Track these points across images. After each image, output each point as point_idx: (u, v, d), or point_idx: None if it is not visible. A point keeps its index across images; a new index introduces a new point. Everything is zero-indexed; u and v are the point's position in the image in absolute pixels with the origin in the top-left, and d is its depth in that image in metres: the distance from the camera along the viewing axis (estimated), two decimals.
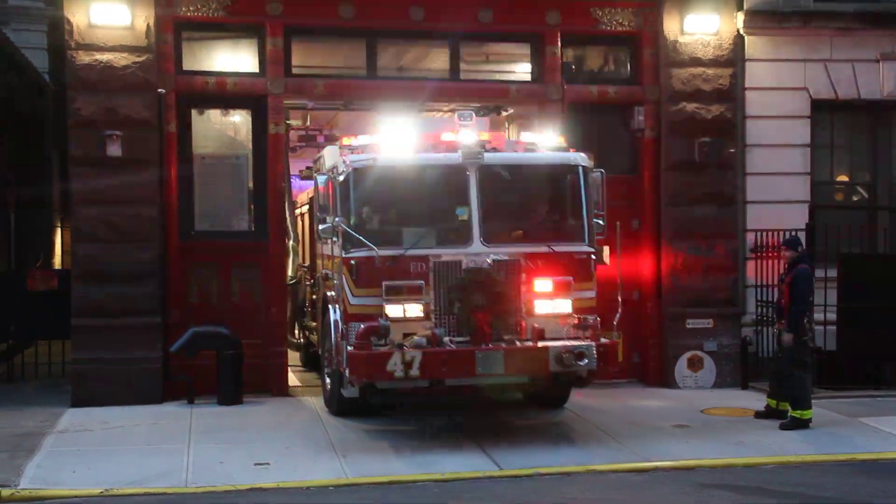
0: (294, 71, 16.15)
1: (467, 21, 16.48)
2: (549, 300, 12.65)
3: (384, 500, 10.10)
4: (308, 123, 20.10)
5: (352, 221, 12.41)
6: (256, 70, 15.97)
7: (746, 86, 17.27)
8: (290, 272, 17.53)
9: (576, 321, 12.48)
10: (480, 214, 12.55)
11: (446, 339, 11.88)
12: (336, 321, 12.58)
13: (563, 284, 12.66)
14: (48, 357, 16.75)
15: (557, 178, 13.75)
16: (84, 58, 14.87)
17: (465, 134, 12.68)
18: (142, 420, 13.58)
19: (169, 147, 15.34)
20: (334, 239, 12.64)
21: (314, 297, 16.07)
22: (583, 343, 11.96)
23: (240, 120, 16.32)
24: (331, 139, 23.90)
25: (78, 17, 14.85)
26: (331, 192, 12.73)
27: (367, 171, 12.54)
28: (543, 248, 12.83)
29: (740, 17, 17.18)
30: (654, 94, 16.78)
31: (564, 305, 12.67)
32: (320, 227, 12.64)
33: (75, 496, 9.97)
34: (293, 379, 16.86)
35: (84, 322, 14.79)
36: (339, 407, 13.65)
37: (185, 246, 15.55)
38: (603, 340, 12.19)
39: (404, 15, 16.20)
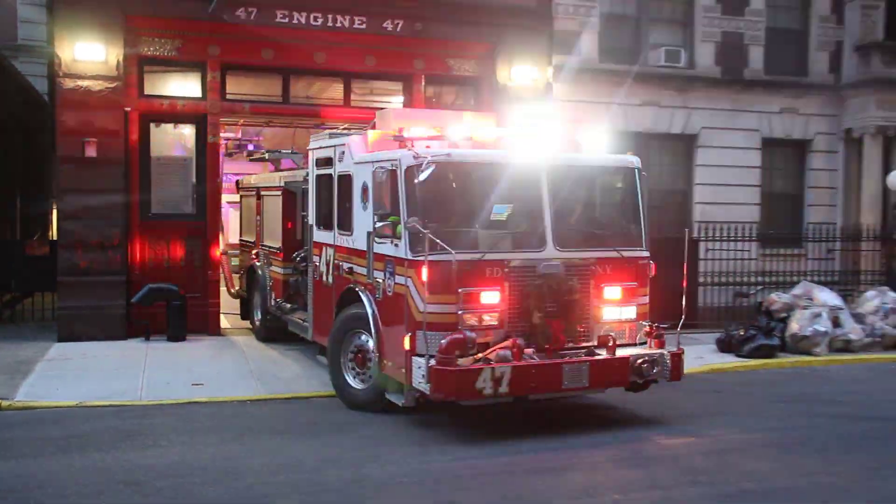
0: (228, 96, 16.26)
1: (357, 64, 16.85)
2: (617, 306, 9.69)
3: (286, 409, 10.40)
4: (240, 135, 20.31)
5: (402, 218, 8.98)
6: (200, 95, 16.02)
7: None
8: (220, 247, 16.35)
9: (647, 329, 9.79)
10: (553, 216, 9.41)
11: (529, 350, 8.89)
12: (377, 324, 9.60)
13: (629, 290, 9.76)
14: (42, 305, 16.70)
15: (616, 180, 10.67)
16: (69, 83, 14.86)
17: (535, 131, 10.17)
18: (109, 352, 13.66)
19: (132, 151, 15.40)
20: (394, 239, 9.11)
21: (292, 280, 13.62)
22: (657, 351, 9.52)
23: (187, 132, 16.33)
24: (258, 148, 24.19)
25: (65, 54, 14.85)
26: (390, 187, 8.99)
27: (441, 167, 8.98)
28: (612, 253, 9.74)
29: (550, 69, 17.93)
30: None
31: (630, 312, 9.80)
32: (377, 224, 9.15)
33: (56, 406, 10.16)
34: (224, 322, 17.11)
35: (67, 279, 14.87)
36: (351, 403, 10.32)
37: (144, 224, 15.63)
38: (670, 349, 9.72)
39: (310, 57, 16.46)
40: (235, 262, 29.95)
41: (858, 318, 15.27)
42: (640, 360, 9.23)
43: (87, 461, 7.99)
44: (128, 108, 15.35)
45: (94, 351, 13.72)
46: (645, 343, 9.70)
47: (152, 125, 16.00)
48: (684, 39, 19.91)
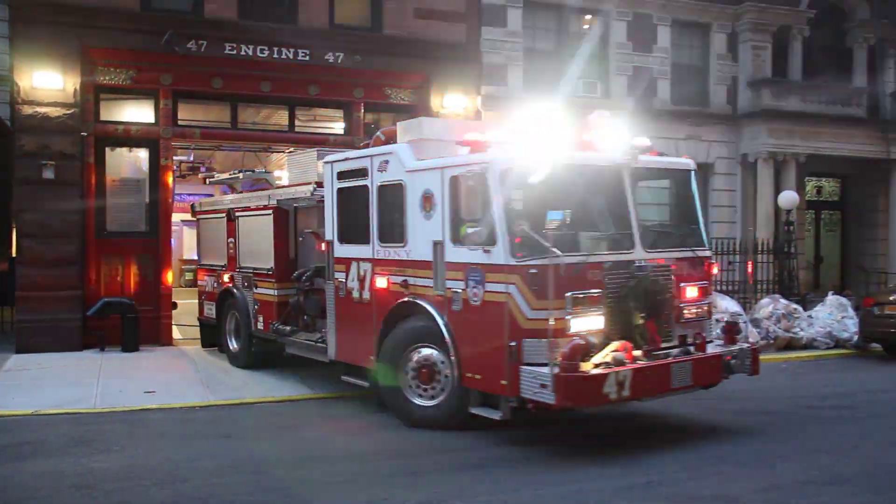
0: (179, 122, 15.98)
1: (301, 93, 16.73)
2: (695, 305, 8.95)
3: (233, 414, 10.11)
4: (192, 158, 19.93)
5: (507, 225, 7.85)
6: (153, 121, 15.69)
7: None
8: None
9: (725, 325, 9.19)
10: (638, 218, 8.59)
11: (637, 352, 8.01)
12: (454, 336, 8.45)
13: (703, 289, 9.05)
14: (0, 318, 16.14)
15: (679, 181, 9.80)
16: (28, 110, 14.43)
17: (609, 134, 8.80)
18: (66, 363, 13.24)
19: (88, 173, 15.00)
20: (486, 246, 7.94)
21: (292, 301, 11.74)
22: (740, 347, 8.95)
23: (141, 155, 15.98)
24: (210, 171, 23.76)
25: (24, 82, 14.43)
26: (480, 192, 7.88)
27: (536, 170, 7.91)
28: (689, 253, 9.00)
29: (479, 98, 17.94)
30: None
31: (704, 309, 9.11)
32: (469, 230, 8.11)
33: (12, 415, 9.74)
34: (177, 333, 16.72)
35: (26, 294, 14.39)
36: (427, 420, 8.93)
37: (99, 241, 15.20)
38: (745, 344, 9.20)
39: (257, 86, 16.28)
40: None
41: (755, 322, 15.48)
42: (728, 356, 8.68)
43: (39, 467, 7.63)
44: (84, 133, 14.99)
45: (50, 362, 13.27)
46: (719, 340, 9.07)
47: (108, 149, 15.63)
48: (600, 72, 20.11)
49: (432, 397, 8.92)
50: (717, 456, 7.65)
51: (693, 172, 9.49)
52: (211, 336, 14.60)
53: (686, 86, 21.00)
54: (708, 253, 9.33)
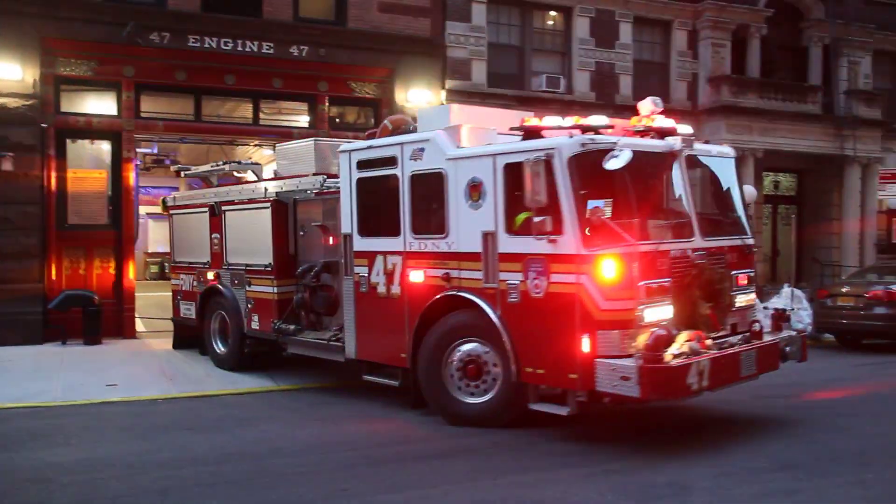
0: (142, 115, 15.77)
1: (265, 86, 16.63)
2: (745, 292, 8.61)
3: (195, 406, 10.00)
4: (156, 150, 19.76)
5: (576, 213, 7.36)
6: (115, 113, 15.50)
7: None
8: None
9: (773, 312, 9.01)
10: (694, 206, 8.22)
11: (708, 341, 7.67)
12: (508, 329, 7.90)
13: (749, 277, 8.73)
14: None
15: (723, 169, 9.11)
16: None
17: (662, 120, 8.40)
18: (27, 355, 13.06)
19: (49, 165, 14.77)
20: (551, 236, 7.41)
21: (297, 298, 10.86)
22: (790, 334, 8.80)
23: (104, 147, 15.76)
24: (175, 163, 23.46)
25: None
26: (546, 178, 7.32)
27: (604, 156, 7.39)
28: (738, 241, 8.67)
29: (444, 92, 17.94)
30: None
31: (751, 296, 8.81)
32: (536, 219, 7.37)
33: None
34: (140, 326, 16.53)
35: None
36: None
37: (60, 234, 14.99)
38: (794, 332, 9.01)
39: (221, 80, 16.14)
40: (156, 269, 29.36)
41: None
42: (784, 344, 8.48)
43: None
44: (44, 125, 14.74)
45: (11, 355, 13.06)
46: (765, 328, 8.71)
47: (69, 141, 15.39)
48: (563, 68, 20.16)
49: (481, 394, 8.40)
50: (671, 445, 7.71)
51: (735, 161, 9.18)
52: (186, 337, 13.65)
53: (647, 81, 21.08)
54: (752, 241, 8.99)
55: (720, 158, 9.01)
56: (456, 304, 8.51)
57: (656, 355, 7.01)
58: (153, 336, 15.63)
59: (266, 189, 11.45)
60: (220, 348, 12.50)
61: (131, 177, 15.58)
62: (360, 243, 9.55)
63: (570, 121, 7.95)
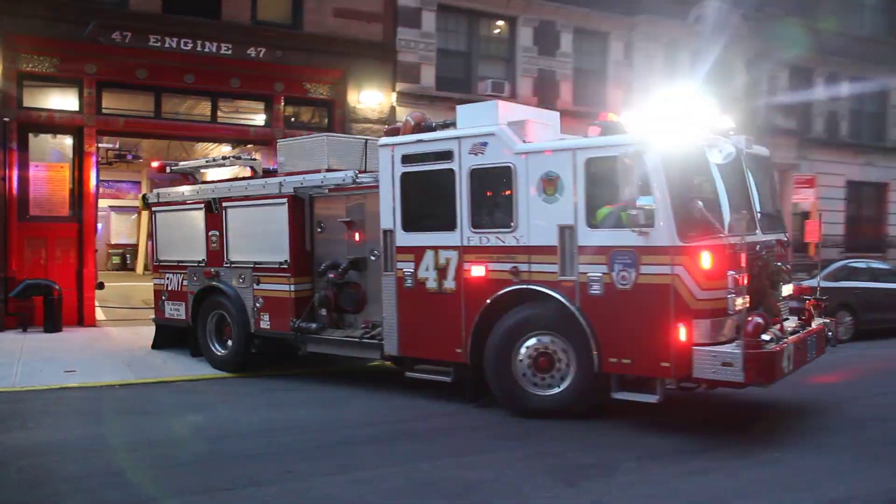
0: (104, 111, 15.45)
1: (223, 85, 16.39)
2: (786, 283, 8.45)
3: (153, 392, 9.82)
4: (118, 146, 19.36)
5: (670, 206, 7.20)
6: (77, 109, 15.14)
7: (364, 137, 17.69)
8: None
9: (812, 301, 8.78)
10: (757, 202, 8.24)
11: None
12: (590, 321, 7.64)
13: (789, 269, 8.57)
14: None
15: (767, 168, 9.05)
16: None
17: (723, 120, 8.14)
18: None
19: (11, 158, 14.37)
20: (644, 228, 7.20)
21: (320, 295, 10.12)
22: (826, 321, 8.73)
23: (66, 142, 15.41)
24: (136, 158, 23.01)
25: None
26: (636, 172, 7.20)
27: (691, 151, 7.48)
28: (783, 236, 8.71)
29: (394, 95, 17.88)
30: None
31: (791, 287, 8.73)
32: (632, 212, 7.17)
33: None
34: (100, 315, 16.21)
35: None
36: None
37: (22, 225, 14.60)
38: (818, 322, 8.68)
39: (181, 78, 15.86)
40: (117, 259, 28.80)
41: None
42: (827, 330, 8.50)
43: None
44: (7, 119, 14.33)
45: None
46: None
47: (31, 135, 15.00)
48: (508, 73, 20.23)
49: (552, 386, 8.08)
50: (600, 430, 7.80)
51: (769, 159, 9.09)
52: (168, 338, 12.63)
53: (587, 88, 21.27)
54: (789, 236, 9.01)
55: (762, 157, 8.90)
56: (524, 297, 8.17)
57: (757, 341, 6.95)
58: (113, 325, 15.34)
59: (281, 184, 10.51)
60: (217, 349, 11.42)
61: (92, 170, 15.23)
62: (405, 238, 9.00)
63: (648, 117, 7.72)
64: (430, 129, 9.22)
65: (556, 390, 8.05)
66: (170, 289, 12.20)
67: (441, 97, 18.47)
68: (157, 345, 12.72)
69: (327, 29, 17.07)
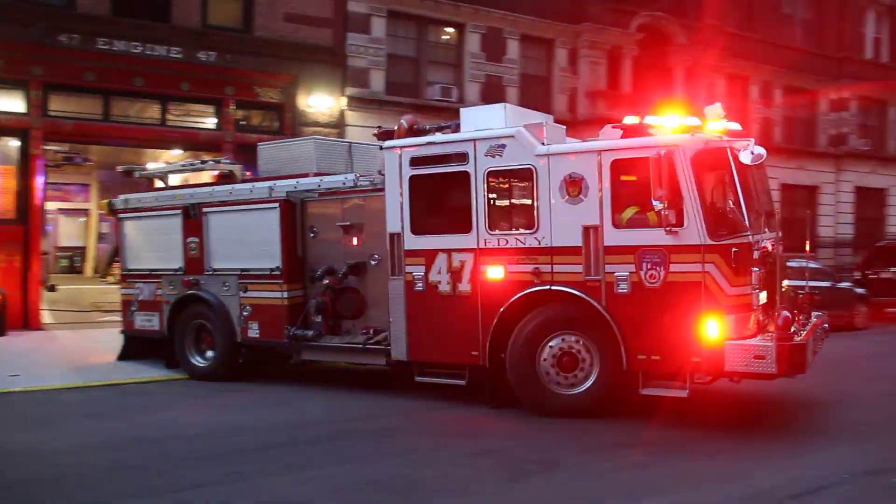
0: (51, 113, 15.06)
1: (173, 89, 16.13)
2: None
3: (99, 396, 9.59)
4: (67, 149, 18.88)
5: (700, 206, 7.25)
6: (23, 111, 14.77)
7: (348, 140, 17.67)
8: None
9: (807, 296, 8.68)
10: (763, 202, 8.24)
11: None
12: (618, 319, 7.56)
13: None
14: None
15: (762, 168, 8.60)
16: None
17: (728, 124, 7.95)
18: None
19: None
20: (673, 227, 7.24)
21: (315, 302, 9.61)
22: (823, 314, 8.70)
23: (11, 144, 15.02)
24: (87, 161, 22.40)
25: None
26: (666, 173, 7.16)
27: (716, 153, 7.54)
28: (773, 234, 8.38)
29: (344, 99, 17.77)
30: None
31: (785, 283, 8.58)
32: (665, 212, 7.16)
33: None
34: (49, 318, 15.77)
35: None
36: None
37: None
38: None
39: (130, 81, 15.57)
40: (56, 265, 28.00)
41: None
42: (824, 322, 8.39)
43: None
44: None
45: None
46: None
47: None
48: (456, 78, 20.24)
49: (573, 385, 7.94)
50: (545, 427, 7.81)
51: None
52: (137, 349, 11.79)
53: (533, 94, 21.38)
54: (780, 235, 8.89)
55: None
56: (545, 298, 8.01)
57: (788, 334, 7.01)
58: (61, 328, 14.93)
59: (272, 188, 10.04)
60: (197, 360, 10.76)
61: (38, 174, 14.83)
62: (414, 242, 8.69)
63: (671, 120, 7.71)
64: (424, 131, 9.07)
65: (581, 389, 7.93)
66: (141, 299, 11.34)
67: (390, 102, 18.44)
68: (124, 356, 11.83)
69: (277, 33, 16.91)
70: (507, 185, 8.38)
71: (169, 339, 11.01)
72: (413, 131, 9.07)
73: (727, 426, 7.72)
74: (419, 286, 8.65)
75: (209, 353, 10.66)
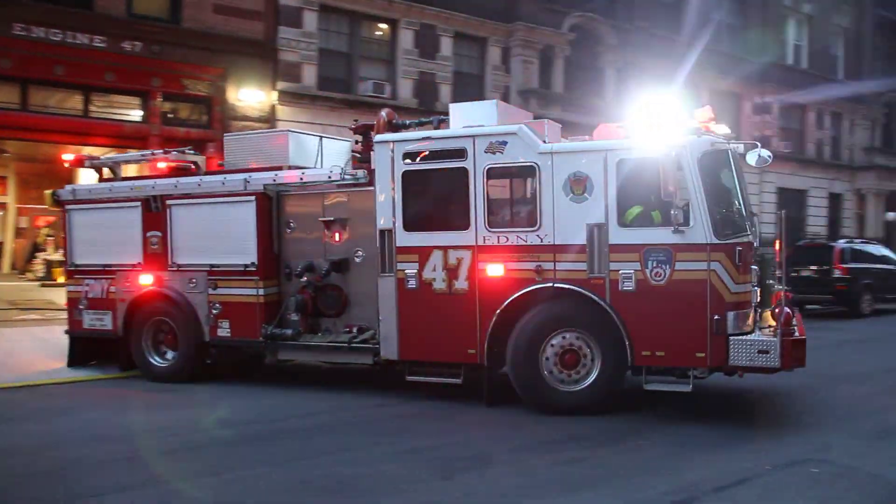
0: None
1: (97, 78, 15.66)
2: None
3: (13, 398, 9.18)
4: None
5: (702, 205, 7.38)
6: None
7: (318, 134, 17.39)
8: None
9: (786, 293, 8.17)
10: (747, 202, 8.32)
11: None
12: (622, 316, 7.60)
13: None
14: None
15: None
16: None
17: (716, 126, 8.00)
18: None
19: None
20: (680, 226, 7.37)
21: (295, 299, 9.34)
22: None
23: None
24: (3, 152, 21.45)
25: None
26: (673, 173, 7.53)
27: (722, 154, 7.77)
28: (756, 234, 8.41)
29: (275, 94, 17.49)
30: (220, 136, 16.55)
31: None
32: (674, 211, 7.35)
33: None
34: None
35: None
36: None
37: None
38: None
39: (50, 70, 15.04)
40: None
41: None
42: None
43: None
44: None
45: None
46: None
47: None
48: (389, 75, 20.15)
49: (576, 382, 7.95)
50: (476, 423, 7.81)
51: None
52: (90, 352, 11.10)
53: (466, 91, 21.39)
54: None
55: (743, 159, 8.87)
56: (547, 295, 7.99)
57: (790, 329, 7.23)
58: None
59: (247, 181, 9.56)
60: (156, 360, 10.23)
61: None
62: (407, 238, 8.48)
63: (674, 120, 7.76)
64: (404, 126, 8.99)
65: (582, 385, 7.96)
66: (90, 296, 10.64)
67: (322, 97, 18.27)
68: (75, 361, 10.99)
69: (207, 25, 16.55)
70: (508, 183, 8.37)
71: (124, 340, 10.40)
72: (392, 126, 8.90)
73: (660, 420, 7.82)
74: (412, 284, 8.48)
75: (169, 354, 10.17)
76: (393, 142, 8.59)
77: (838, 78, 32.79)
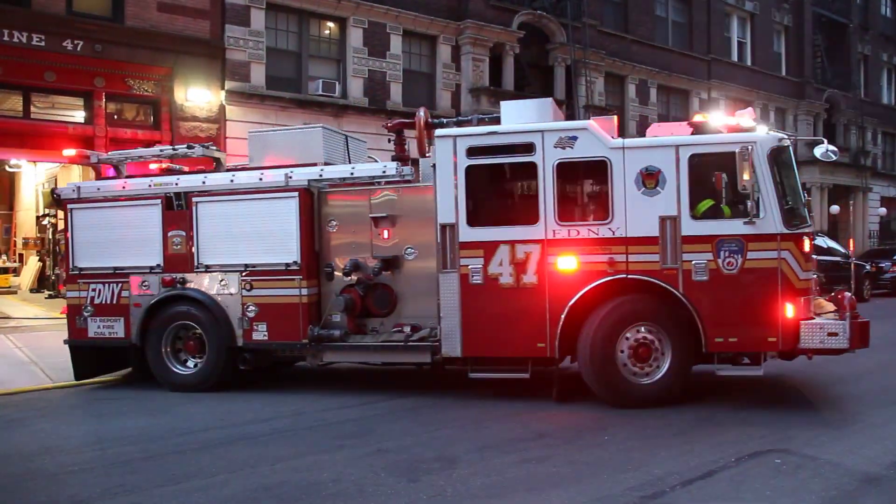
0: None
1: (36, 78, 15.25)
2: None
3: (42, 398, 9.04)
4: None
5: (772, 197, 7.81)
6: None
7: (227, 136, 17.17)
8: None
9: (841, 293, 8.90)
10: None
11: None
12: (699, 305, 7.87)
13: None
14: None
15: None
16: None
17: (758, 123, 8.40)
18: None
19: None
20: (753, 218, 7.71)
21: (344, 298, 9.10)
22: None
23: None
24: None
25: None
26: (745, 167, 7.59)
27: (782, 150, 8.10)
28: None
29: (223, 93, 17.20)
30: (168, 137, 16.24)
31: None
32: (751, 204, 7.70)
33: None
34: None
35: None
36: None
37: None
38: None
39: None
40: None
41: None
42: None
43: None
44: None
45: None
46: None
47: None
48: (338, 74, 19.99)
49: (648, 374, 8.14)
50: (440, 424, 7.78)
51: None
52: (93, 363, 10.35)
53: (416, 90, 21.43)
54: None
55: None
56: (619, 288, 8.18)
57: (856, 313, 7.74)
58: None
59: (289, 176, 9.28)
60: (178, 368, 9.72)
61: None
62: (471, 234, 8.47)
63: (725, 118, 8.30)
64: (441, 125, 9.09)
65: (656, 377, 8.16)
66: (97, 302, 9.92)
67: (271, 96, 18.06)
68: (82, 373, 10.22)
69: (151, 23, 16.22)
70: (579, 177, 8.54)
71: (140, 348, 9.79)
72: (429, 124, 9.06)
73: (622, 415, 7.89)
74: (476, 279, 8.47)
75: (190, 361, 9.73)
76: (455, 137, 8.59)
77: (781, 74, 33.63)
